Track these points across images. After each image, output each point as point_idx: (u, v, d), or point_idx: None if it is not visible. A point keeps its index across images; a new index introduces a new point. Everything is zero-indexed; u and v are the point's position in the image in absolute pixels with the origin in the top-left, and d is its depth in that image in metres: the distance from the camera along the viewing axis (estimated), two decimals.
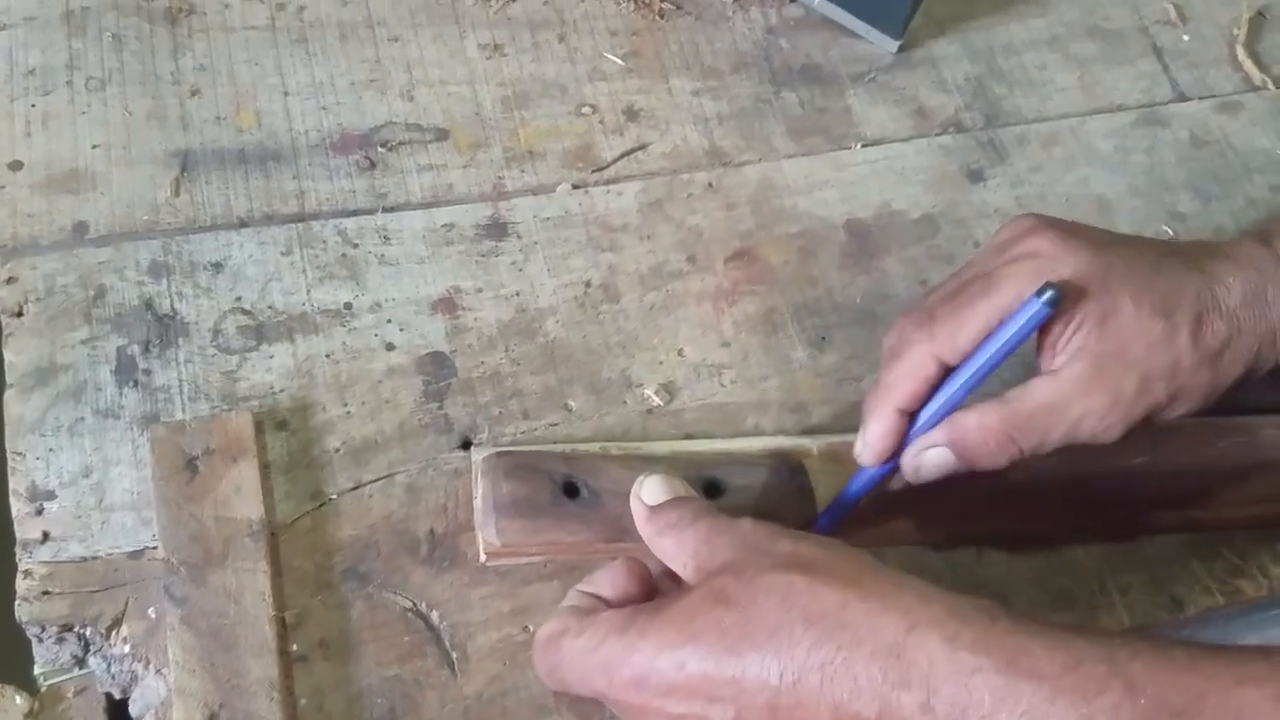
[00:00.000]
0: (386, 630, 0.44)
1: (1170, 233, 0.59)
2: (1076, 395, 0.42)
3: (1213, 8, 0.68)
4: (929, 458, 0.43)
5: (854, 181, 0.58)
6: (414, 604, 0.45)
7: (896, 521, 0.48)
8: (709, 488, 0.46)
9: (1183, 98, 0.64)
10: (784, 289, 0.54)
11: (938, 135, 0.60)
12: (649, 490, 0.42)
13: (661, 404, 0.51)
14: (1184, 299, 0.42)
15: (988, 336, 0.42)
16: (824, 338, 0.53)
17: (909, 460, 0.44)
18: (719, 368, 0.52)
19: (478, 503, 0.45)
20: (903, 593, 0.34)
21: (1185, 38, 0.66)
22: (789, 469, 0.47)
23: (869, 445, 0.44)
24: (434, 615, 0.45)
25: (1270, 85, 0.65)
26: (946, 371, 0.43)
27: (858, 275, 0.55)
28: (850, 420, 0.51)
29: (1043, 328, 0.42)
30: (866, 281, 0.55)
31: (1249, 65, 0.66)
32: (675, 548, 0.40)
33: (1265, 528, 0.51)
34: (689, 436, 0.50)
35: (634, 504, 0.42)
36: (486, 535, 0.45)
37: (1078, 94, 0.63)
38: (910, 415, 0.43)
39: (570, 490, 0.45)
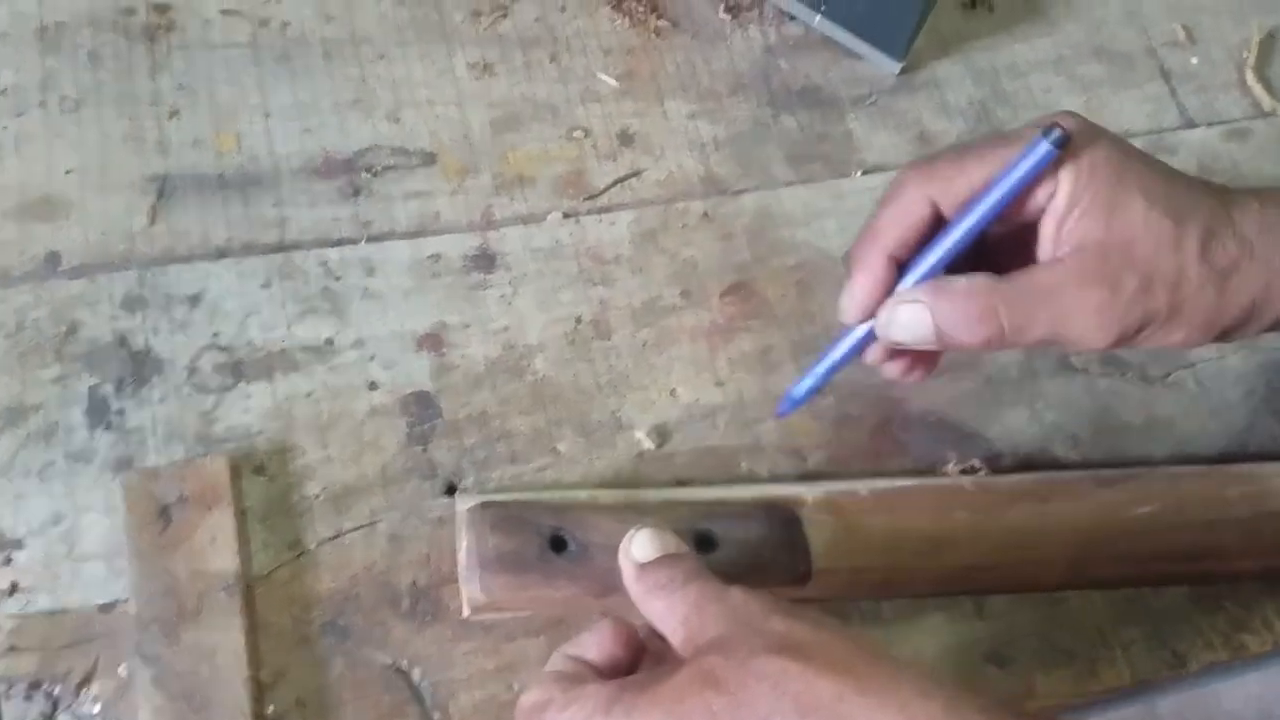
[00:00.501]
0: (366, 689, 0.43)
1: None
2: (1073, 283, 0.40)
3: (1223, 28, 0.66)
4: (904, 313, 0.41)
5: (854, 211, 0.56)
6: (395, 661, 0.43)
7: (899, 573, 0.46)
8: (701, 540, 0.44)
9: (1190, 124, 0.62)
10: (781, 325, 0.53)
11: None
12: (639, 546, 0.40)
13: (653, 447, 0.49)
14: (1199, 210, 0.41)
15: (989, 184, 0.40)
16: None
17: (884, 310, 0.42)
18: (713, 409, 0.51)
19: (462, 556, 0.44)
20: (900, 686, 0.33)
21: (1194, 60, 0.65)
22: (783, 521, 0.46)
23: (854, 298, 0.42)
24: (415, 673, 0.43)
25: (1279, 112, 0.63)
26: (940, 223, 0.41)
27: None
28: (848, 466, 0.50)
29: (1046, 214, 0.40)
30: None
31: (1258, 90, 0.64)
32: (664, 611, 0.38)
33: (1271, 579, 0.50)
34: (681, 481, 0.49)
35: (623, 560, 0.41)
36: (471, 591, 0.43)
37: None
38: (900, 265, 0.42)
39: (558, 544, 0.44)
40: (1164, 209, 0.41)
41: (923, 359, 0.46)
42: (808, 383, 0.46)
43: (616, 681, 0.37)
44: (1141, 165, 0.42)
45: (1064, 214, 0.41)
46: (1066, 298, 0.40)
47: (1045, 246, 0.41)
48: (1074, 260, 0.41)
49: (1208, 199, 0.42)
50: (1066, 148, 0.39)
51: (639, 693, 0.35)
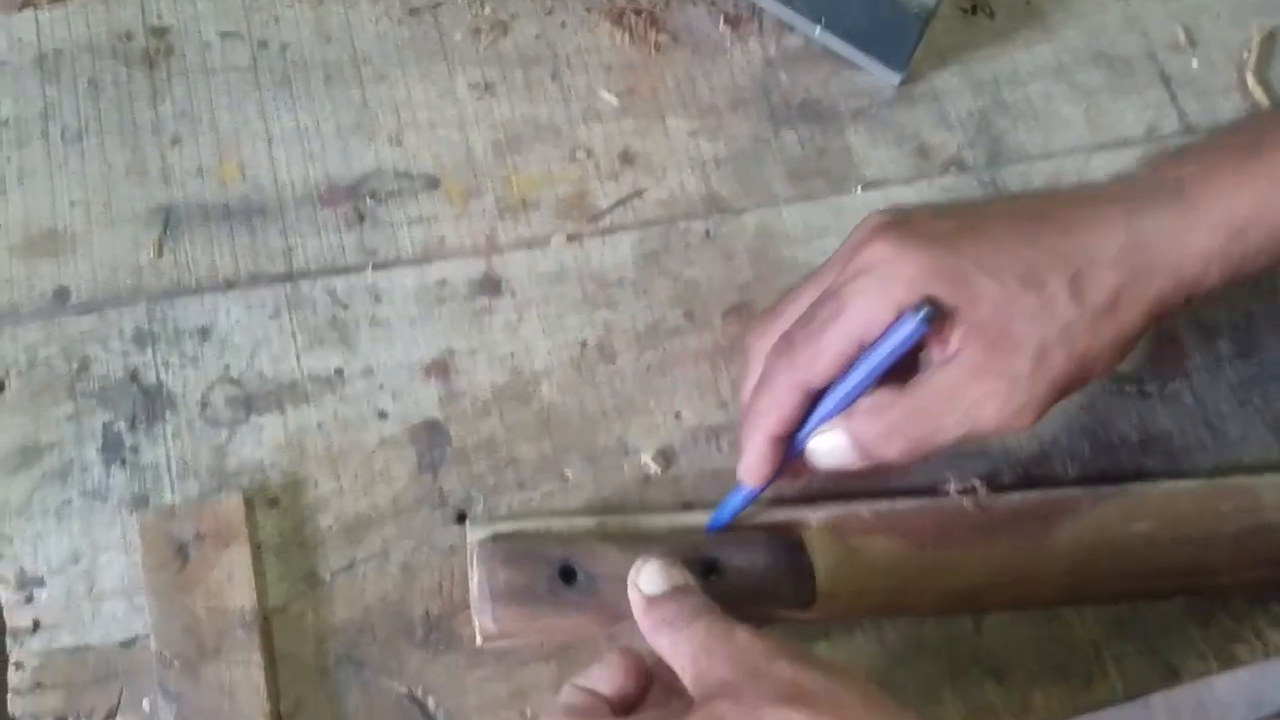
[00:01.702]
0: (382, 718, 0.44)
1: None
2: (969, 380, 0.41)
3: (1223, 30, 0.66)
4: (824, 442, 0.44)
5: (853, 228, 0.56)
6: (410, 690, 0.45)
7: (901, 595, 0.48)
8: (705, 568, 0.46)
9: (1189, 129, 0.62)
10: None
11: (939, 176, 0.58)
12: (646, 579, 0.42)
13: (659, 471, 0.50)
14: (1055, 263, 0.41)
15: (861, 357, 0.42)
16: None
17: (810, 447, 0.44)
18: (717, 430, 0.51)
19: (473, 589, 0.45)
20: None
21: (1194, 63, 0.64)
22: (786, 546, 0.47)
23: (749, 471, 0.45)
24: (430, 701, 0.45)
25: None
26: (816, 395, 0.43)
27: None
28: (849, 486, 0.51)
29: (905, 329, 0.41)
30: None
31: (1259, 92, 0.64)
32: (671, 648, 0.39)
33: (1265, 591, 0.51)
34: (687, 505, 0.50)
35: (631, 593, 0.42)
36: (483, 622, 0.44)
37: (1083, 127, 0.61)
38: (785, 439, 0.44)
39: (567, 575, 0.45)
40: (1020, 282, 0.41)
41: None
42: (721, 516, 0.47)
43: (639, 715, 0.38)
44: (974, 250, 0.41)
45: (936, 335, 0.42)
46: (968, 395, 0.41)
47: (934, 356, 0.43)
48: (964, 357, 0.41)
49: (1059, 244, 0.42)
50: (934, 320, 0.40)
51: None
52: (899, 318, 0.41)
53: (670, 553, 0.44)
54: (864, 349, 0.42)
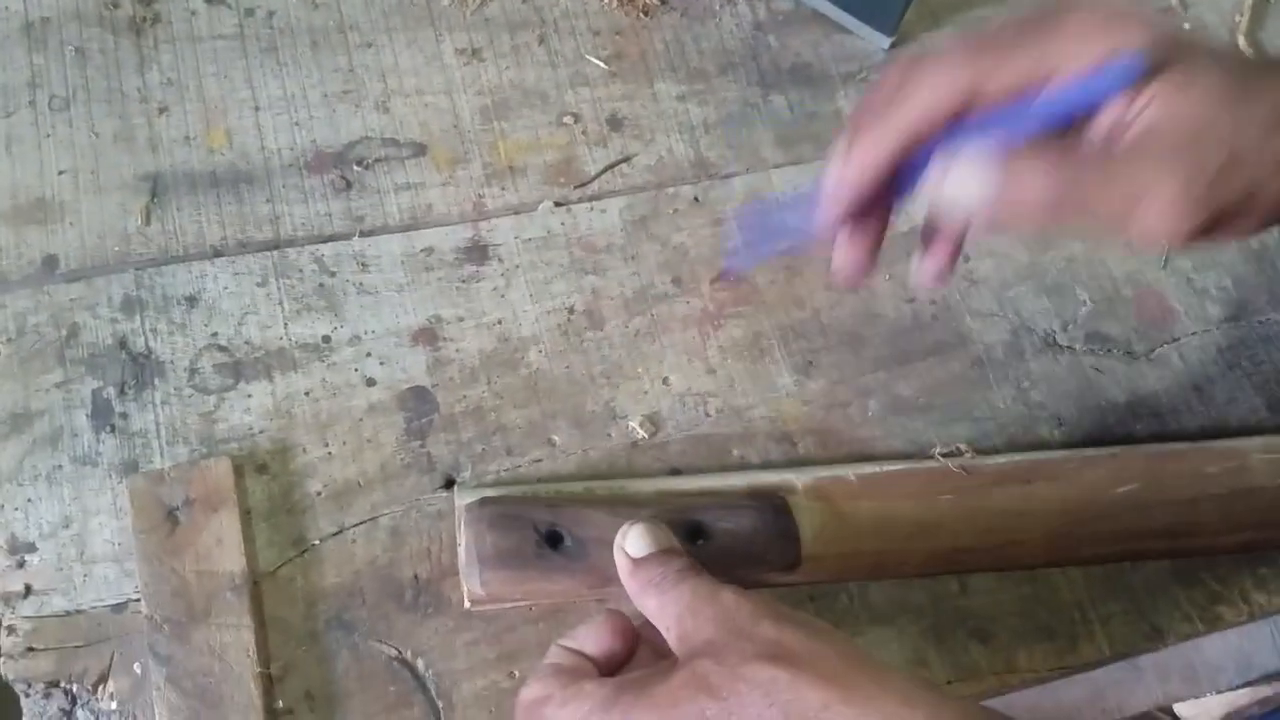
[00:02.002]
0: (372, 680, 0.44)
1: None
2: (1152, 161, 0.35)
3: None
4: (963, 168, 0.35)
5: None
6: (399, 652, 0.45)
7: (887, 557, 0.48)
8: (692, 531, 0.46)
9: None
10: (770, 311, 0.53)
11: None
12: (632, 542, 0.42)
13: (646, 437, 0.50)
14: (1270, 91, 0.36)
15: (1050, 85, 0.35)
16: (811, 362, 0.53)
17: (936, 165, 0.36)
18: (704, 396, 0.52)
19: (461, 553, 0.45)
20: (887, 695, 0.34)
21: (1186, 25, 0.64)
22: (773, 510, 0.47)
23: (852, 170, 0.37)
24: (419, 664, 0.45)
25: None
26: (956, 118, 0.36)
27: (845, 295, 0.54)
28: (835, 451, 0.51)
29: (1111, 104, 0.35)
30: (854, 301, 0.54)
31: (1250, 54, 0.63)
32: (658, 609, 0.40)
33: (1250, 553, 0.51)
34: (674, 470, 0.50)
35: (617, 555, 0.42)
36: (471, 586, 0.45)
37: None
38: (899, 163, 0.37)
39: (553, 539, 0.45)
40: (1239, 91, 0.35)
41: (941, 250, 0.41)
42: (755, 248, 0.43)
43: (614, 681, 0.38)
44: (1209, 49, 0.36)
45: (1128, 101, 0.35)
46: (1145, 175, 0.35)
47: (1112, 134, 0.36)
48: (1152, 139, 0.35)
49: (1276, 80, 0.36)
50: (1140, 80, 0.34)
51: (636, 695, 0.37)
52: (1103, 64, 0.34)
53: (656, 516, 0.44)
54: (1050, 82, 0.35)
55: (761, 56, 0.59)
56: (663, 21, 0.59)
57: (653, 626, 0.41)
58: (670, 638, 0.39)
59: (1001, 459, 0.50)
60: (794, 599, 0.48)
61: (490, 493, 0.47)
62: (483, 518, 0.45)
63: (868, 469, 0.49)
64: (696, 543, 0.45)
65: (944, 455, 0.50)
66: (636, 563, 0.41)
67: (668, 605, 0.39)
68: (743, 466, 0.50)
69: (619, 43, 0.59)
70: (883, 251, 0.55)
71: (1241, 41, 0.64)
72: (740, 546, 0.46)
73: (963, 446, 0.50)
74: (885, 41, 0.60)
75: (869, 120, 0.37)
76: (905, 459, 0.50)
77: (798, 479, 0.48)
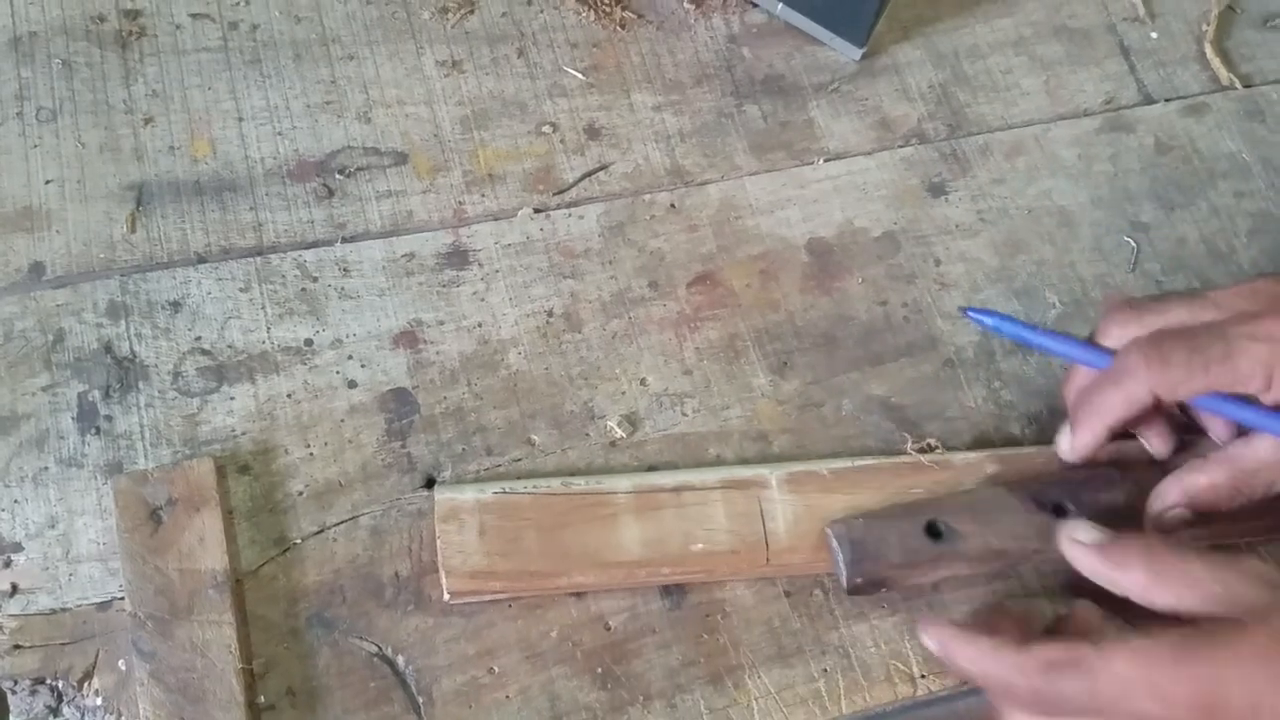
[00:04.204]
0: (353, 677, 0.45)
1: (1133, 244, 0.59)
2: None
3: (1182, 2, 0.67)
4: (1171, 518, 0.48)
5: (816, 199, 0.58)
6: (380, 649, 0.46)
7: None
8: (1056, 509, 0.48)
9: (1149, 100, 0.63)
10: (746, 314, 0.55)
11: (900, 147, 0.60)
12: (1085, 533, 0.45)
13: (624, 436, 0.51)
14: None
15: (1240, 405, 0.45)
16: (785, 363, 0.54)
17: (1152, 526, 0.48)
18: (681, 396, 0.52)
19: (440, 544, 0.46)
20: None
21: (1153, 35, 0.66)
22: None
23: (1077, 451, 0.48)
24: (399, 660, 0.46)
25: (1238, 85, 0.64)
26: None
27: (819, 297, 0.55)
28: (809, 449, 0.52)
29: (1263, 395, 0.45)
30: (828, 303, 0.55)
31: (1217, 64, 0.65)
32: (1152, 579, 0.42)
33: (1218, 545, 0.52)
34: (651, 468, 0.51)
35: (1070, 548, 0.45)
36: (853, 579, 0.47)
37: (1043, 98, 0.62)
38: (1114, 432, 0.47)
39: (934, 531, 0.47)
40: None
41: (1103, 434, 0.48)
42: (1018, 331, 0.49)
43: (1171, 633, 0.40)
44: None
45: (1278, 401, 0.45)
46: None
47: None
48: None
49: None
50: None
51: (1215, 646, 0.38)
52: None
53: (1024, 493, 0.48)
54: (1218, 396, 0.45)
55: (735, 68, 0.61)
56: (639, 34, 0.61)
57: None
58: (1183, 604, 0.41)
59: (971, 454, 0.51)
60: (770, 592, 0.49)
61: (473, 490, 0.47)
62: (860, 526, 0.47)
63: (840, 464, 0.50)
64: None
65: (916, 449, 0.51)
66: (1104, 548, 0.43)
67: (1170, 572, 0.41)
68: (719, 464, 0.51)
69: (596, 55, 0.60)
70: (855, 255, 0.57)
71: (1209, 51, 0.65)
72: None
73: (934, 441, 0.51)
74: (856, 53, 0.61)
75: (1086, 411, 0.47)
76: (879, 455, 0.51)
77: (771, 474, 0.49)
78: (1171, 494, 0.47)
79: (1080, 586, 0.45)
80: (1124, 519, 0.47)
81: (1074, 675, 0.40)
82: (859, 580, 0.47)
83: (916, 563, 0.47)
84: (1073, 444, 0.48)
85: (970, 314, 0.49)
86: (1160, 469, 0.49)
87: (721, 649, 0.47)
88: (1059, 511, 0.48)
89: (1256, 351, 0.44)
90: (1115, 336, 0.47)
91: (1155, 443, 0.50)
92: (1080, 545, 0.44)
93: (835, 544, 0.47)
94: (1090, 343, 0.48)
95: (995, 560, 0.47)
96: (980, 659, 0.42)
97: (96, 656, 0.44)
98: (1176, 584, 0.41)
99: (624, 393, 0.52)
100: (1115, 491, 0.49)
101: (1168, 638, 0.39)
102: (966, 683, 0.47)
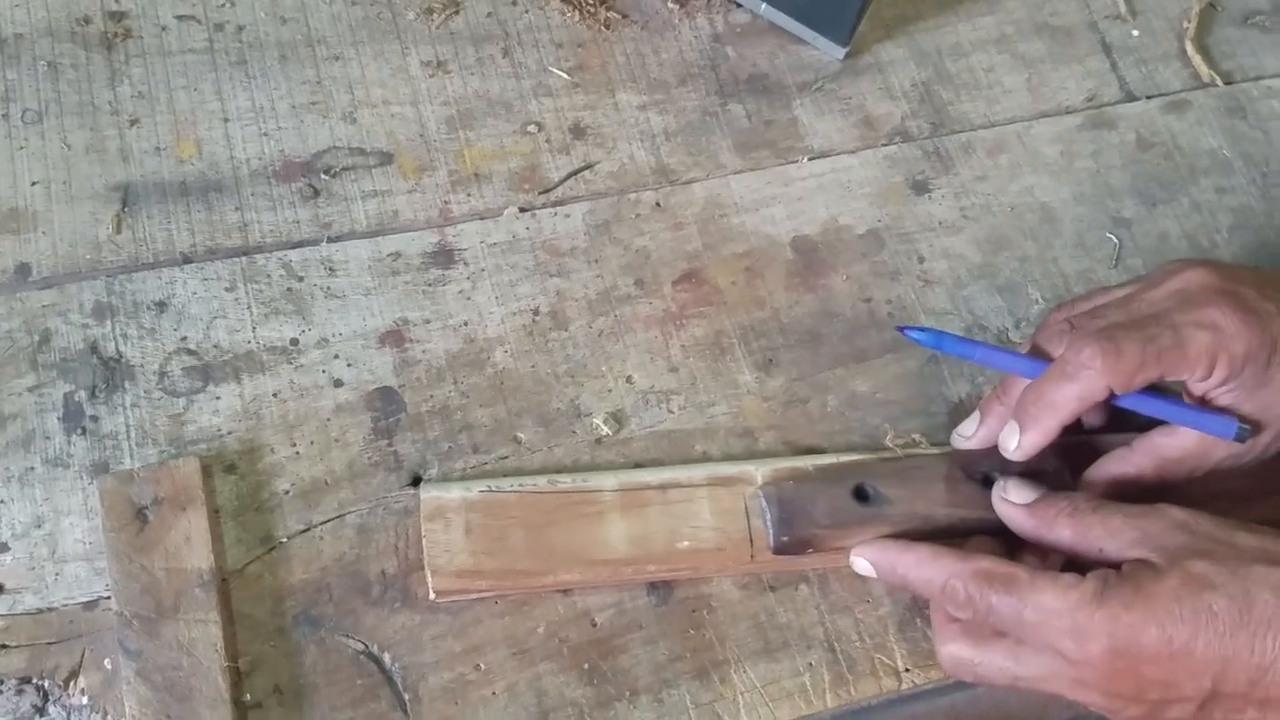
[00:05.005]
0: (339, 674, 0.45)
1: (1115, 240, 0.59)
2: (1219, 445, 0.47)
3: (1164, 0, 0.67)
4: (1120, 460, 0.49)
5: (801, 197, 0.58)
6: (366, 646, 0.46)
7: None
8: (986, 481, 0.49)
9: (1131, 97, 0.64)
10: (731, 311, 0.55)
11: (884, 145, 0.60)
12: (1016, 492, 0.46)
13: (610, 433, 0.51)
14: None
15: (1168, 403, 0.47)
16: (771, 360, 0.54)
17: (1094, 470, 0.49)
18: (667, 394, 0.53)
19: (426, 543, 0.46)
20: None
21: (1135, 32, 0.66)
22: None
23: (1025, 450, 0.47)
24: (386, 657, 0.46)
25: (1218, 81, 0.65)
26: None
27: (804, 294, 0.56)
28: (795, 445, 0.52)
29: (1199, 384, 0.46)
30: (812, 300, 0.55)
31: (1198, 61, 0.65)
32: (1079, 533, 0.44)
33: None
34: (637, 465, 0.51)
35: (1003, 507, 0.46)
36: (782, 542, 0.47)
37: (1025, 96, 0.63)
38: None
39: (861, 493, 0.48)
40: None
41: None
42: (957, 346, 0.49)
43: (1090, 577, 0.41)
44: None
45: (1212, 389, 0.46)
46: (1216, 455, 0.47)
47: (1194, 402, 0.47)
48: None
49: None
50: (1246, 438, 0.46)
51: (1131, 591, 0.40)
52: (1221, 411, 0.46)
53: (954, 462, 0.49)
54: (1165, 379, 0.46)
55: (720, 67, 0.61)
56: (624, 34, 0.61)
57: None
58: (1109, 554, 0.42)
59: (950, 448, 0.51)
60: (756, 588, 0.49)
61: (459, 488, 0.48)
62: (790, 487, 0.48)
63: (825, 460, 0.50)
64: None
65: (899, 444, 0.51)
66: (1031, 506, 0.45)
67: (1093, 527, 0.43)
68: (705, 460, 0.51)
69: (581, 55, 0.60)
70: (839, 252, 0.57)
71: (1189, 48, 0.66)
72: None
73: (916, 437, 0.51)
74: (840, 52, 0.61)
75: (1036, 409, 0.47)
76: (864, 451, 0.51)
77: (756, 470, 0.50)
78: (1098, 483, 0.49)
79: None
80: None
81: (1004, 592, 0.42)
82: (785, 540, 0.47)
83: (843, 524, 0.47)
84: (1021, 443, 0.47)
85: (907, 333, 0.49)
86: (1090, 444, 0.50)
87: (707, 644, 0.48)
88: (987, 482, 0.49)
89: (1202, 338, 0.45)
90: (1055, 346, 0.48)
91: (1090, 417, 0.51)
92: (1011, 504, 0.46)
93: (764, 504, 0.48)
94: (1030, 354, 0.49)
95: (921, 525, 0.48)
96: (920, 564, 0.44)
97: (83, 655, 0.44)
98: (1099, 536, 0.43)
99: (610, 390, 0.52)
100: (1044, 466, 0.49)
101: (1091, 582, 0.41)
102: (950, 677, 0.47)
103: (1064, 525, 0.44)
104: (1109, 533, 0.43)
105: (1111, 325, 0.46)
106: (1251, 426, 0.46)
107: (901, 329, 0.49)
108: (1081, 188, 0.60)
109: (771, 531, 0.48)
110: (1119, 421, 0.52)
